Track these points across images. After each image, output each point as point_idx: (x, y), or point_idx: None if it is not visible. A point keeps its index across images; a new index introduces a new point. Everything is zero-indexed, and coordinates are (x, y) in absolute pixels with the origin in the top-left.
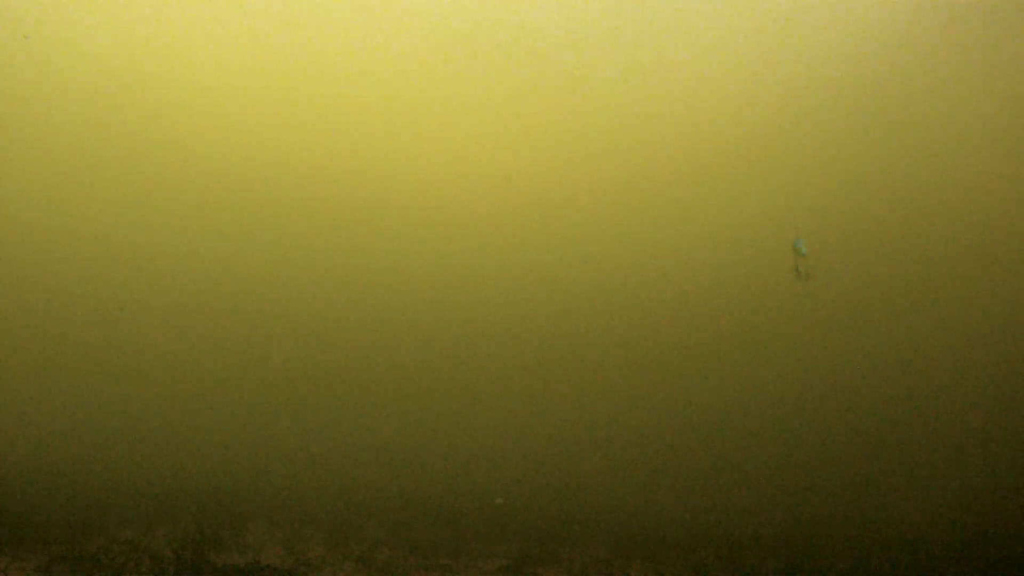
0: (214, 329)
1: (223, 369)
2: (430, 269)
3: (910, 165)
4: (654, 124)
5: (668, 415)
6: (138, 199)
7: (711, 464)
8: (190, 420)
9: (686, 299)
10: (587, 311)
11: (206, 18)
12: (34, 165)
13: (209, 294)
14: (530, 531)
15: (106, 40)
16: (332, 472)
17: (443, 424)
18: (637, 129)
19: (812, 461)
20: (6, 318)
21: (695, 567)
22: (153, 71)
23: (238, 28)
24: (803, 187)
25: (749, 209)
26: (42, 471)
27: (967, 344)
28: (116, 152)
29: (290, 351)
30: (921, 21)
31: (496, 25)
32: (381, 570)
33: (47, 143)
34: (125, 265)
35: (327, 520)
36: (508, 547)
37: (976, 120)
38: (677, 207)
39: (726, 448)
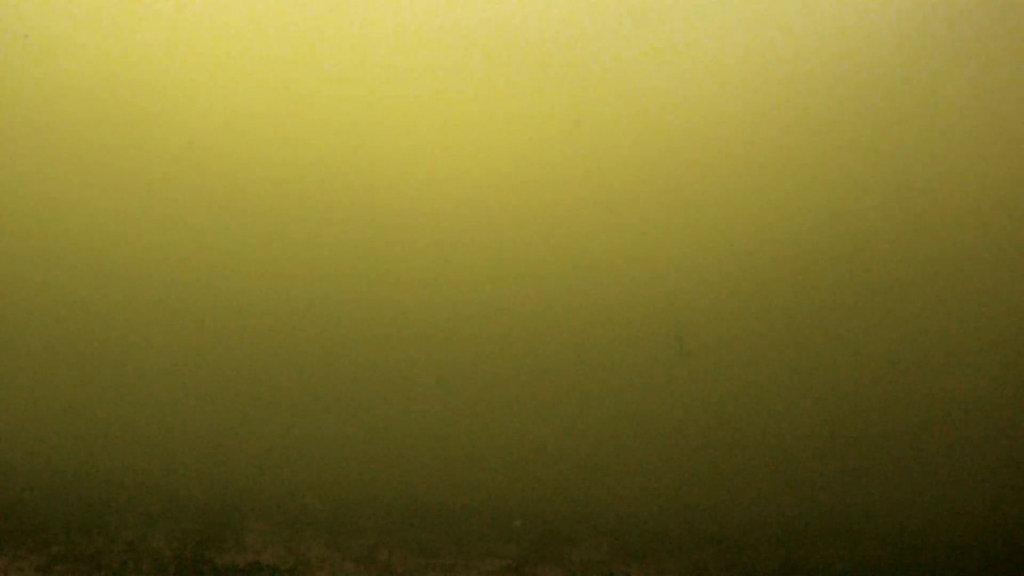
0: (214, 330)
1: (223, 370)
2: (429, 271)
3: (909, 167)
4: (655, 126)
5: (668, 416)
6: (138, 199)
7: (710, 464)
8: (190, 420)
9: (687, 300)
10: (588, 313)
11: (206, 18)
12: (34, 164)
13: (209, 296)
14: (530, 531)
15: (106, 40)
16: (332, 472)
17: (442, 424)
18: (637, 131)
19: (811, 461)
20: (6, 318)
21: (695, 567)
22: (153, 71)
23: (238, 28)
24: (803, 186)
25: (750, 207)
26: (42, 471)
27: (966, 345)
28: (116, 152)
29: (290, 353)
30: (920, 23)
31: (496, 27)
32: (381, 570)
33: (47, 143)
34: (125, 265)
35: (327, 520)
36: (508, 547)
37: (976, 121)
38: (678, 206)
39: (725, 449)
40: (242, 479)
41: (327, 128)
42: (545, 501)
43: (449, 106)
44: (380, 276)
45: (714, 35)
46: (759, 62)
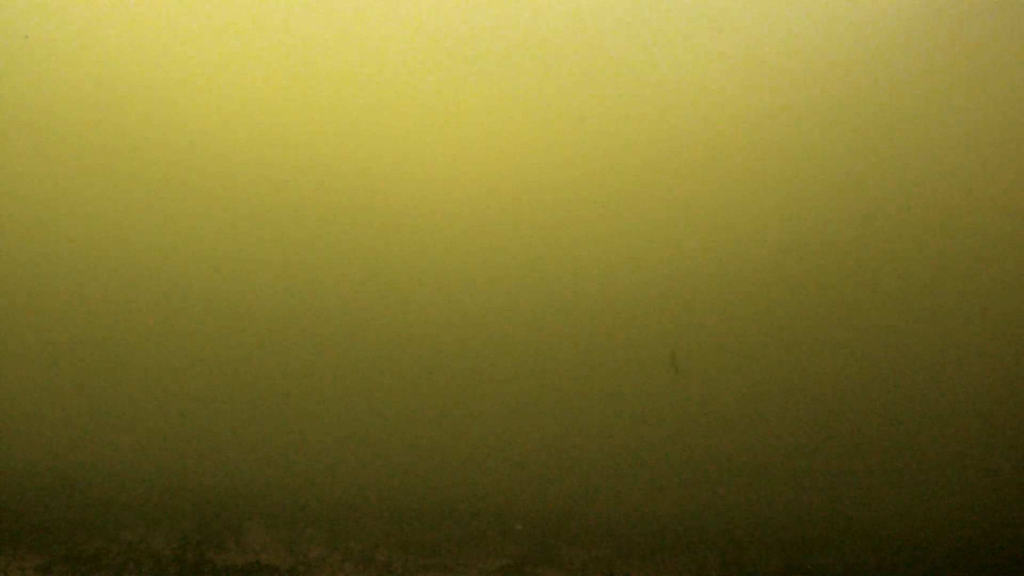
0: (214, 330)
1: (224, 370)
2: (430, 270)
3: (910, 167)
4: (655, 126)
5: (668, 416)
6: (138, 199)
7: (711, 464)
8: (190, 420)
9: (685, 300)
10: (587, 312)
11: (206, 19)
12: (34, 164)
13: (209, 296)
14: (530, 531)
15: (106, 40)
16: (332, 472)
17: (443, 424)
18: (637, 131)
19: (811, 461)
20: (6, 318)
21: (695, 567)
22: (153, 71)
23: (239, 29)
24: (803, 187)
25: (752, 206)
26: (42, 471)
27: (966, 345)
28: (116, 152)
29: (290, 352)
30: (920, 23)
31: (497, 28)
32: (381, 570)
33: (47, 143)
34: (125, 265)
35: (327, 520)
36: (508, 547)
37: (978, 122)
38: (679, 205)
39: (725, 449)
40: (242, 479)
41: (331, 128)
42: (545, 501)
43: (450, 104)
44: (381, 277)
45: (720, 34)
46: (768, 61)
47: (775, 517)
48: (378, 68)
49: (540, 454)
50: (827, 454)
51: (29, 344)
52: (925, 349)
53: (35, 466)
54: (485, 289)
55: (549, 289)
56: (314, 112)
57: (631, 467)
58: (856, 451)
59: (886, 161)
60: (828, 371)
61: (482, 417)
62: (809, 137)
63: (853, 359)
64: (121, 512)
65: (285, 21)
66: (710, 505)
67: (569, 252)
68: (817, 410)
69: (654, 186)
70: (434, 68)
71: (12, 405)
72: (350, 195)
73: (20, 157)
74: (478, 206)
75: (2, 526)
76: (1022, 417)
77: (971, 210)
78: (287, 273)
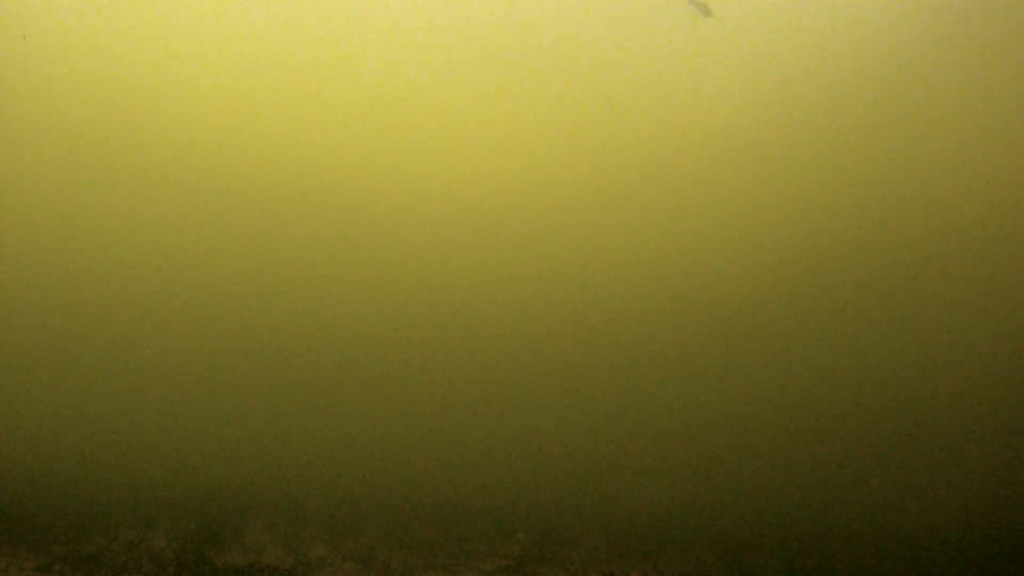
0: (215, 330)
1: (224, 370)
2: (429, 270)
3: (910, 167)
4: (655, 126)
5: (668, 416)
6: (138, 198)
7: (711, 464)
8: (190, 420)
9: (685, 299)
10: (586, 311)
11: (205, 18)
12: (34, 164)
13: (209, 295)
14: (530, 531)
15: (106, 40)
16: (332, 472)
17: (443, 424)
18: (637, 131)
19: (811, 462)
20: (6, 318)
21: (695, 567)
22: (152, 71)
23: (238, 28)
24: (803, 187)
25: (750, 208)
26: (42, 471)
27: (966, 345)
28: (116, 152)
29: (291, 352)
30: (920, 24)
31: (497, 27)
32: (381, 570)
33: (47, 143)
34: (125, 265)
35: (327, 520)
36: (508, 547)
37: (981, 122)
38: (675, 206)
39: (725, 449)
40: (242, 479)
41: (338, 125)
42: (545, 501)
43: (447, 107)
44: (380, 276)
45: (736, 29)
46: (782, 59)
47: (775, 517)
48: (383, 65)
49: (540, 454)
50: (827, 454)
51: (29, 344)
52: (924, 349)
53: (35, 466)
54: (486, 289)
55: (549, 290)
56: (312, 115)
57: (631, 467)
58: (855, 451)
59: (885, 169)
60: (827, 371)
61: (482, 417)
62: (806, 142)
63: (853, 359)
64: (121, 512)
65: (286, 20)
66: (710, 505)
67: (569, 253)
68: (817, 410)
69: (652, 189)
70: (454, 62)
71: (12, 405)
72: (347, 196)
73: (20, 157)
74: (477, 206)
75: (2, 526)
76: (1022, 417)
77: (969, 211)
78: (286, 272)
